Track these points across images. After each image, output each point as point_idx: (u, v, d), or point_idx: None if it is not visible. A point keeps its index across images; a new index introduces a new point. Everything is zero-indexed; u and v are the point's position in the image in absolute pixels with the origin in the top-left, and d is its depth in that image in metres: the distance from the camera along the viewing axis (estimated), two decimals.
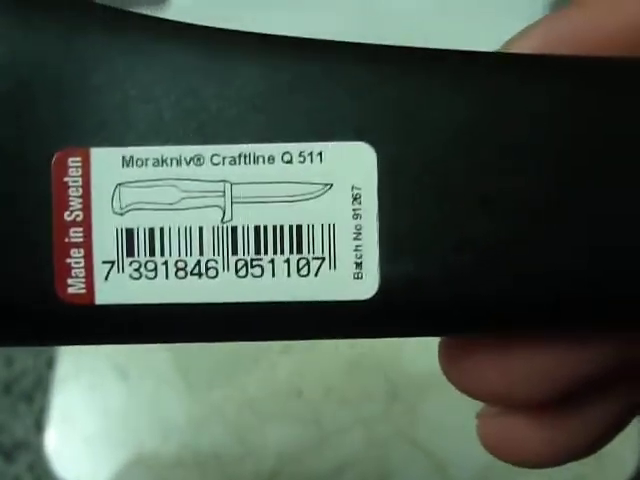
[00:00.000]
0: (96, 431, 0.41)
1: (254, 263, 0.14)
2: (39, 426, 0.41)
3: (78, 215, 0.14)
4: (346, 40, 0.15)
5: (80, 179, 0.14)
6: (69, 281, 0.14)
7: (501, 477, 0.37)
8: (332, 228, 0.14)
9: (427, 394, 0.39)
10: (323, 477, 0.38)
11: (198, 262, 0.14)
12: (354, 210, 0.14)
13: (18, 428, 0.43)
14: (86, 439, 0.41)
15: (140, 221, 0.14)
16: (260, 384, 0.41)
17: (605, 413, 0.17)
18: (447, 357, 0.17)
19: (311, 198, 0.14)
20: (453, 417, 0.36)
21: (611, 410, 0.17)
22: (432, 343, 0.17)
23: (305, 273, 0.14)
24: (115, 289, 0.15)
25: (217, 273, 0.14)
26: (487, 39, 0.16)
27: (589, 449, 0.18)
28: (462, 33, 0.44)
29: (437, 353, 0.17)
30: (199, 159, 0.14)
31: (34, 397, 0.44)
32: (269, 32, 0.15)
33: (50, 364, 0.43)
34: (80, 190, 0.14)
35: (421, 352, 0.36)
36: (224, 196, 0.14)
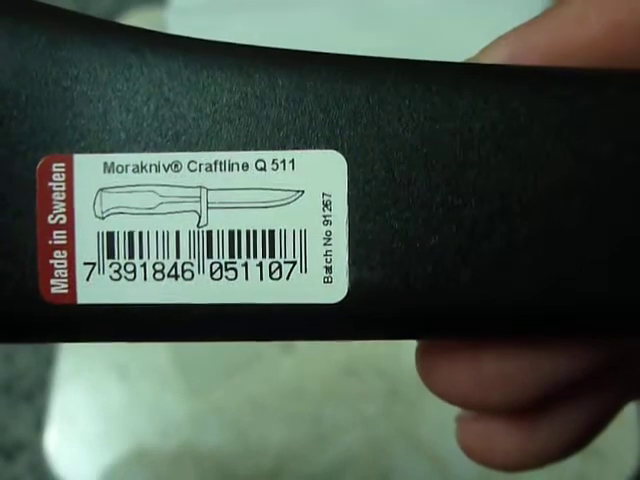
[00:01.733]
0: (96, 430, 0.41)
1: (228, 266, 0.15)
2: (39, 426, 0.41)
3: (61, 218, 0.15)
4: (351, 42, 0.15)
5: (64, 184, 0.15)
6: (52, 281, 0.15)
7: (502, 477, 0.37)
8: (303, 233, 0.15)
9: (427, 393, 0.39)
10: (323, 476, 0.39)
11: (175, 264, 0.15)
12: (324, 216, 0.15)
13: (18, 428, 0.43)
14: (86, 439, 0.41)
15: (120, 225, 0.15)
16: (260, 383, 0.41)
17: (582, 415, 0.17)
18: (421, 361, 0.17)
19: (283, 204, 0.15)
20: (454, 416, 0.37)
21: (588, 411, 0.17)
22: None
23: (277, 276, 0.15)
24: (96, 289, 0.15)
25: (193, 275, 0.15)
26: (486, 39, 0.16)
27: (567, 452, 0.18)
28: (460, 32, 0.44)
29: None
30: (176, 166, 0.15)
31: (34, 397, 0.44)
32: (269, 32, 0.15)
33: (50, 363, 0.43)
34: (64, 195, 0.15)
35: None
36: (200, 201, 0.15)
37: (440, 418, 0.38)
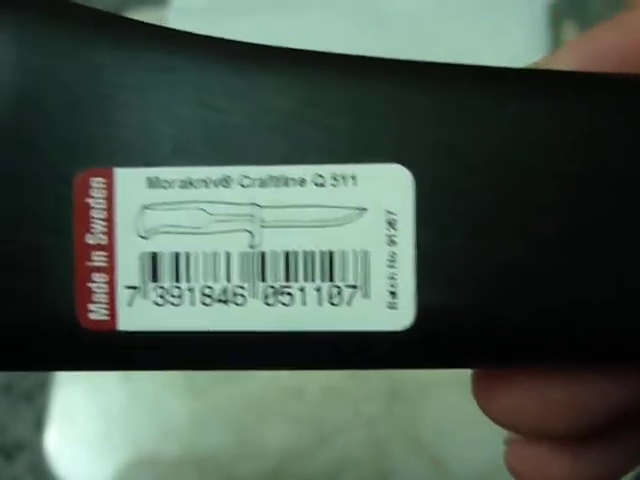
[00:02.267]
0: (96, 431, 0.41)
1: (284, 290, 0.14)
2: (39, 426, 0.41)
3: (101, 238, 0.14)
4: (353, 44, 0.14)
5: (103, 201, 0.14)
6: (91, 306, 0.14)
7: (502, 477, 0.37)
8: (366, 255, 0.14)
9: (428, 394, 0.39)
10: (323, 476, 0.38)
11: (225, 289, 0.14)
12: (389, 236, 0.14)
13: (18, 428, 0.43)
14: (86, 439, 0.41)
15: (165, 245, 0.14)
16: (261, 384, 0.40)
17: (637, 443, 0.17)
18: (481, 389, 0.16)
19: (344, 223, 0.14)
20: (454, 417, 0.37)
21: None
22: None
23: (337, 302, 0.14)
24: (139, 315, 0.14)
25: (245, 300, 0.14)
26: (486, 39, 0.15)
27: (617, 477, 0.17)
28: (462, 34, 0.43)
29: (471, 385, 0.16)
30: (227, 181, 0.14)
31: (34, 397, 0.43)
32: (271, 34, 0.14)
33: None
34: (103, 212, 0.14)
35: None
36: (253, 220, 0.14)
37: (440, 419, 0.38)
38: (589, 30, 0.15)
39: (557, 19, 0.42)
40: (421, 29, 0.45)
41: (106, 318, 0.14)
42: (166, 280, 0.14)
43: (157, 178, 0.14)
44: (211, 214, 0.14)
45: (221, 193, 0.14)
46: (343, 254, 0.14)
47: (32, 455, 0.41)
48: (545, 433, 0.16)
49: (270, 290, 0.14)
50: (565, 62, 0.15)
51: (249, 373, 0.40)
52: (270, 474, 0.38)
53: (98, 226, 0.14)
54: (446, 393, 0.37)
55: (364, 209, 0.14)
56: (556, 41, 0.42)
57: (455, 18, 0.45)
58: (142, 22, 0.14)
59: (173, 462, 0.39)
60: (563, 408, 0.15)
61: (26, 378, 0.44)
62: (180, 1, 0.48)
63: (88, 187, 0.14)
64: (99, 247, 0.14)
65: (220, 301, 0.14)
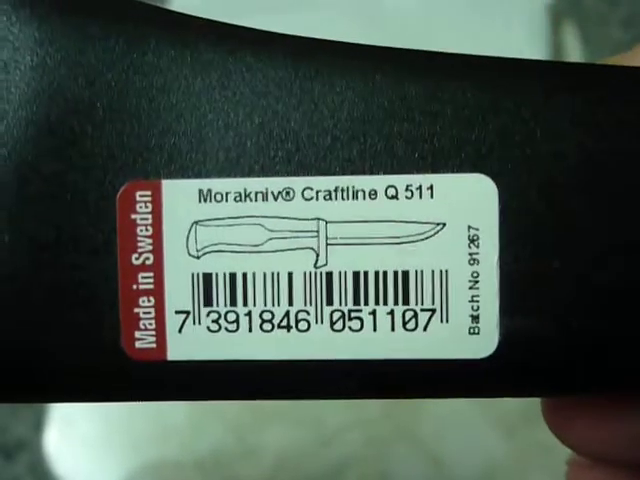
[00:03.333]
0: (96, 431, 0.40)
1: (352, 315, 0.12)
2: (39, 426, 0.40)
3: (148, 258, 0.12)
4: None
5: (150, 216, 0.12)
6: (137, 334, 0.12)
7: (502, 477, 0.36)
8: (444, 275, 0.12)
9: None
10: (323, 476, 0.38)
11: (287, 313, 0.12)
12: (470, 254, 0.12)
13: (18, 428, 0.42)
14: (86, 439, 0.40)
15: (220, 265, 0.12)
16: None
17: None
18: (552, 411, 0.15)
19: (420, 240, 0.12)
20: (454, 417, 0.36)
21: None
22: None
23: (412, 327, 0.12)
24: (190, 343, 0.13)
25: (309, 326, 0.13)
26: (486, 39, 0.14)
27: None
28: (461, 33, 0.43)
29: (542, 409, 0.15)
30: (288, 193, 0.12)
31: None
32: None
33: None
34: (150, 229, 0.12)
35: None
36: (318, 237, 0.12)
37: (440, 419, 0.37)
38: None
39: (557, 19, 0.42)
40: (421, 29, 0.44)
41: (154, 346, 0.13)
42: (220, 304, 0.12)
43: (209, 190, 0.12)
44: (270, 230, 0.12)
45: (281, 207, 0.12)
46: (419, 274, 0.12)
47: (32, 455, 0.41)
48: (616, 460, 0.15)
49: (337, 314, 0.12)
50: None
51: None
52: (270, 474, 0.38)
53: (144, 244, 0.12)
54: None
55: (443, 224, 0.12)
56: (556, 41, 0.41)
57: (455, 18, 0.45)
58: (193, 17, 0.12)
59: (173, 462, 0.39)
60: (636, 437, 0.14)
61: None
62: (181, 0, 0.47)
63: (133, 201, 0.12)
64: (146, 268, 0.12)
65: (281, 327, 0.13)
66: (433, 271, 0.12)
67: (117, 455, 0.39)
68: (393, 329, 0.12)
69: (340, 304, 0.12)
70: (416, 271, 0.12)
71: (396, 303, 0.12)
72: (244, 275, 0.12)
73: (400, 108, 0.12)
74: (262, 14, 0.45)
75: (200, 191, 0.12)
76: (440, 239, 0.12)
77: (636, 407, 0.14)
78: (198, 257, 0.12)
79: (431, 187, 0.12)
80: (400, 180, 0.12)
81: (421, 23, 0.43)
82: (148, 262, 0.12)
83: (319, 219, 0.12)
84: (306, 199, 0.12)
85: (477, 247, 0.12)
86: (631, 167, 0.12)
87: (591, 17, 0.42)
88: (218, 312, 0.13)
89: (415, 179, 0.12)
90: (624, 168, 0.12)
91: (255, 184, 0.12)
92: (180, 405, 0.40)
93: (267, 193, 0.12)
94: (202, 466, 0.38)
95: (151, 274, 0.12)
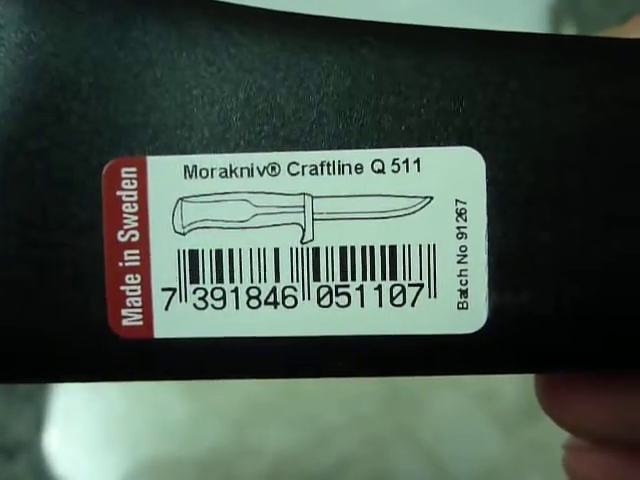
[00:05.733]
0: (96, 431, 0.40)
1: (339, 291, 0.12)
2: (39, 426, 0.41)
3: (133, 235, 0.12)
4: None
5: (135, 193, 0.12)
6: (124, 312, 0.12)
7: (502, 477, 0.36)
8: (432, 249, 0.12)
9: (428, 394, 0.39)
10: (323, 476, 0.38)
11: (274, 289, 0.12)
12: (458, 228, 0.12)
13: (18, 428, 0.42)
14: (86, 439, 0.40)
15: (206, 242, 0.12)
16: (260, 384, 0.40)
17: None
18: (548, 393, 0.15)
19: (407, 214, 0.12)
20: (454, 416, 0.36)
21: None
22: None
23: (400, 302, 0.12)
24: (177, 321, 0.12)
25: (296, 302, 0.12)
26: None
27: None
28: None
29: (535, 389, 0.15)
30: (274, 169, 0.12)
31: (34, 397, 0.43)
32: None
33: None
34: (135, 206, 0.12)
35: None
36: (304, 212, 0.12)
37: (439, 418, 0.37)
38: None
39: (557, 19, 0.42)
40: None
41: (141, 324, 0.12)
42: (207, 281, 0.12)
43: (195, 166, 0.12)
44: (256, 206, 0.12)
45: (267, 182, 0.12)
46: (406, 249, 0.12)
47: (32, 455, 0.41)
48: (614, 440, 0.15)
49: (324, 290, 0.12)
50: None
51: None
52: (270, 474, 0.38)
53: (130, 221, 0.12)
54: (445, 393, 0.36)
55: (430, 198, 0.12)
56: None
57: (455, 18, 0.44)
58: None
59: (172, 461, 0.39)
60: (635, 416, 0.14)
61: None
62: None
63: (118, 178, 0.12)
64: (131, 245, 0.12)
65: (268, 303, 0.12)
66: (421, 245, 0.12)
67: (117, 454, 0.39)
68: (381, 304, 0.12)
69: (327, 280, 0.12)
70: (403, 245, 0.12)
71: (384, 278, 0.12)
72: (230, 251, 0.12)
73: (387, 81, 0.12)
74: None
75: (185, 167, 0.12)
76: (427, 213, 0.12)
77: (638, 384, 0.14)
78: (184, 234, 0.12)
79: (418, 161, 0.12)
80: (387, 154, 0.12)
81: (419, 23, 0.44)
82: (134, 239, 0.12)
83: (305, 194, 0.12)
84: (292, 174, 0.12)
85: (465, 221, 0.12)
86: (622, 139, 0.12)
87: (591, 17, 0.42)
88: (204, 289, 0.12)
89: (402, 153, 0.12)
90: (615, 140, 0.12)
91: (241, 160, 0.12)
92: (179, 403, 0.40)
93: (253, 168, 0.12)
94: (201, 464, 0.38)
95: (137, 251, 0.12)
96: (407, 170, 0.12)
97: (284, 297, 0.12)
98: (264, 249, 0.12)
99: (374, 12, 0.45)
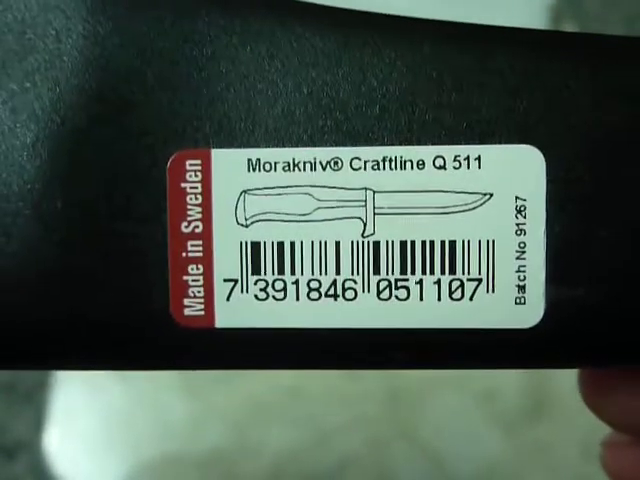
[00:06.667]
0: (97, 430, 0.40)
1: (399, 284, 0.13)
2: (39, 426, 0.41)
3: (197, 226, 0.13)
4: None
5: (200, 185, 0.12)
6: (186, 301, 0.13)
7: (502, 477, 0.36)
8: (491, 245, 0.12)
9: (428, 394, 0.39)
10: (323, 476, 0.38)
11: (334, 282, 0.13)
12: (517, 224, 0.12)
13: (18, 428, 0.42)
14: (87, 439, 0.40)
15: (268, 234, 0.13)
16: (261, 384, 0.40)
17: None
18: (591, 386, 0.15)
19: (467, 210, 0.12)
20: (454, 417, 0.36)
21: None
22: None
23: (458, 297, 0.13)
24: (238, 311, 0.13)
25: (356, 295, 0.13)
26: None
27: None
28: None
29: (578, 384, 0.15)
30: (336, 163, 0.12)
31: (34, 397, 0.43)
32: None
33: None
34: (199, 197, 0.13)
35: None
36: (365, 206, 0.12)
37: (440, 419, 0.37)
38: None
39: (557, 19, 0.42)
40: None
41: (202, 313, 0.13)
42: (268, 272, 0.13)
43: (258, 160, 0.13)
44: (318, 200, 0.13)
45: (330, 176, 0.13)
46: (466, 244, 0.12)
47: (32, 455, 0.41)
48: None
49: (384, 284, 0.13)
50: None
51: (247, 372, 0.40)
52: (270, 474, 0.38)
53: (194, 213, 0.12)
54: (446, 393, 0.36)
55: (490, 194, 0.12)
56: None
57: (455, 17, 0.44)
58: None
59: (173, 460, 0.39)
60: None
61: (26, 377, 0.43)
62: None
63: (183, 170, 0.12)
64: (195, 236, 0.13)
65: (328, 296, 0.13)
66: (480, 241, 0.12)
67: (117, 454, 0.39)
68: (439, 299, 0.13)
69: (387, 273, 0.13)
70: (463, 241, 0.12)
71: (443, 273, 0.12)
72: (292, 244, 0.13)
73: (448, 79, 0.12)
74: None
75: (249, 160, 0.13)
76: (487, 209, 0.12)
77: None
78: (246, 226, 0.13)
79: (479, 158, 0.12)
80: (448, 150, 0.12)
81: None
82: (197, 230, 0.13)
83: (367, 189, 0.13)
84: (354, 169, 0.12)
85: (524, 217, 0.12)
86: None
87: (591, 17, 0.42)
88: (266, 280, 0.13)
89: (463, 149, 0.12)
90: None
91: (303, 154, 0.12)
92: (180, 403, 0.40)
93: (315, 163, 0.12)
94: (202, 464, 0.38)
95: (200, 242, 0.13)
96: (468, 167, 0.12)
97: (344, 290, 0.13)
98: (325, 242, 0.13)
99: (373, 10, 0.45)
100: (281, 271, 0.13)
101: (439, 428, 0.37)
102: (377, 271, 0.13)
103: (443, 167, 0.12)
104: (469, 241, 0.12)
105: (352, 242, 0.12)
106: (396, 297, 0.13)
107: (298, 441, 0.38)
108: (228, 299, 0.13)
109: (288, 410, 0.38)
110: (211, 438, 0.38)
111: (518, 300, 0.12)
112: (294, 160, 0.12)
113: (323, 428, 0.38)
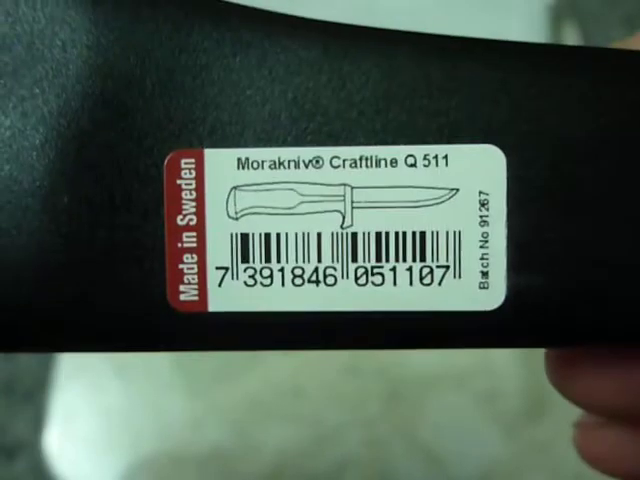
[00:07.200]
0: (96, 430, 0.40)
1: (375, 271, 0.14)
2: (39, 426, 0.40)
3: (191, 219, 0.14)
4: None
5: (194, 182, 0.14)
6: (182, 288, 0.14)
7: (502, 477, 0.36)
8: (457, 235, 0.14)
9: (427, 394, 0.39)
10: (323, 476, 0.38)
11: (316, 269, 0.14)
12: (481, 217, 0.14)
13: (18, 428, 0.42)
14: (87, 439, 0.40)
15: (256, 226, 0.14)
16: (260, 383, 0.40)
17: None
18: (558, 369, 0.16)
19: (436, 203, 0.14)
20: (453, 417, 0.36)
21: None
22: None
23: (428, 282, 0.14)
24: (229, 296, 0.14)
25: (336, 280, 0.14)
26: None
27: None
28: (460, 34, 0.43)
29: (544, 364, 0.16)
30: (318, 162, 0.14)
31: (34, 397, 0.43)
32: None
33: (50, 363, 0.42)
34: (194, 193, 0.14)
35: (422, 352, 0.36)
36: (344, 201, 0.14)
37: (439, 419, 0.37)
38: None
39: (557, 19, 0.42)
40: (420, 28, 0.45)
41: (196, 299, 0.14)
42: (256, 261, 0.14)
43: (247, 159, 0.14)
44: (302, 195, 0.14)
45: (312, 174, 0.14)
46: (435, 234, 0.14)
47: (32, 455, 0.41)
48: (622, 415, 0.16)
49: (361, 270, 0.14)
50: None
51: (247, 372, 0.40)
52: (270, 474, 0.38)
53: (189, 207, 0.14)
54: (446, 393, 0.37)
55: (456, 189, 0.14)
56: (556, 41, 0.42)
57: (454, 18, 0.45)
58: (234, 3, 0.14)
59: (173, 461, 0.39)
60: None
61: (26, 377, 0.43)
62: None
63: (179, 168, 0.14)
64: (190, 228, 0.14)
65: (311, 281, 0.14)
66: (447, 232, 0.14)
67: (117, 453, 0.39)
68: (411, 284, 0.14)
69: (364, 261, 0.14)
70: (432, 232, 0.14)
71: (414, 260, 0.14)
72: (278, 235, 0.14)
73: (420, 85, 0.14)
74: None
75: (239, 159, 0.14)
76: (454, 203, 0.14)
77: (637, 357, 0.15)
78: (236, 219, 0.14)
79: (446, 156, 0.14)
80: (418, 150, 0.14)
81: (418, 24, 0.44)
82: (192, 223, 0.14)
83: (345, 185, 0.14)
84: (334, 167, 0.14)
85: (487, 210, 0.14)
86: (628, 141, 0.14)
87: (591, 17, 0.42)
88: (254, 268, 0.14)
89: (432, 149, 0.14)
90: (627, 142, 0.14)
91: (288, 153, 0.14)
92: (180, 402, 0.39)
93: (299, 161, 0.14)
94: (202, 464, 0.38)
95: (194, 234, 0.14)
96: (436, 164, 0.14)
97: (325, 276, 0.14)
98: (308, 233, 0.14)
99: (374, 11, 0.45)
100: (268, 259, 0.14)
101: (439, 428, 0.37)
102: (355, 259, 0.14)
103: (414, 165, 0.14)
104: (438, 232, 0.14)
105: (332, 233, 0.14)
106: (372, 283, 0.14)
107: (298, 440, 0.38)
108: (220, 285, 0.14)
109: (288, 409, 0.39)
110: (211, 437, 0.39)
111: (482, 285, 0.14)
112: (280, 159, 0.14)
113: (323, 427, 0.38)
